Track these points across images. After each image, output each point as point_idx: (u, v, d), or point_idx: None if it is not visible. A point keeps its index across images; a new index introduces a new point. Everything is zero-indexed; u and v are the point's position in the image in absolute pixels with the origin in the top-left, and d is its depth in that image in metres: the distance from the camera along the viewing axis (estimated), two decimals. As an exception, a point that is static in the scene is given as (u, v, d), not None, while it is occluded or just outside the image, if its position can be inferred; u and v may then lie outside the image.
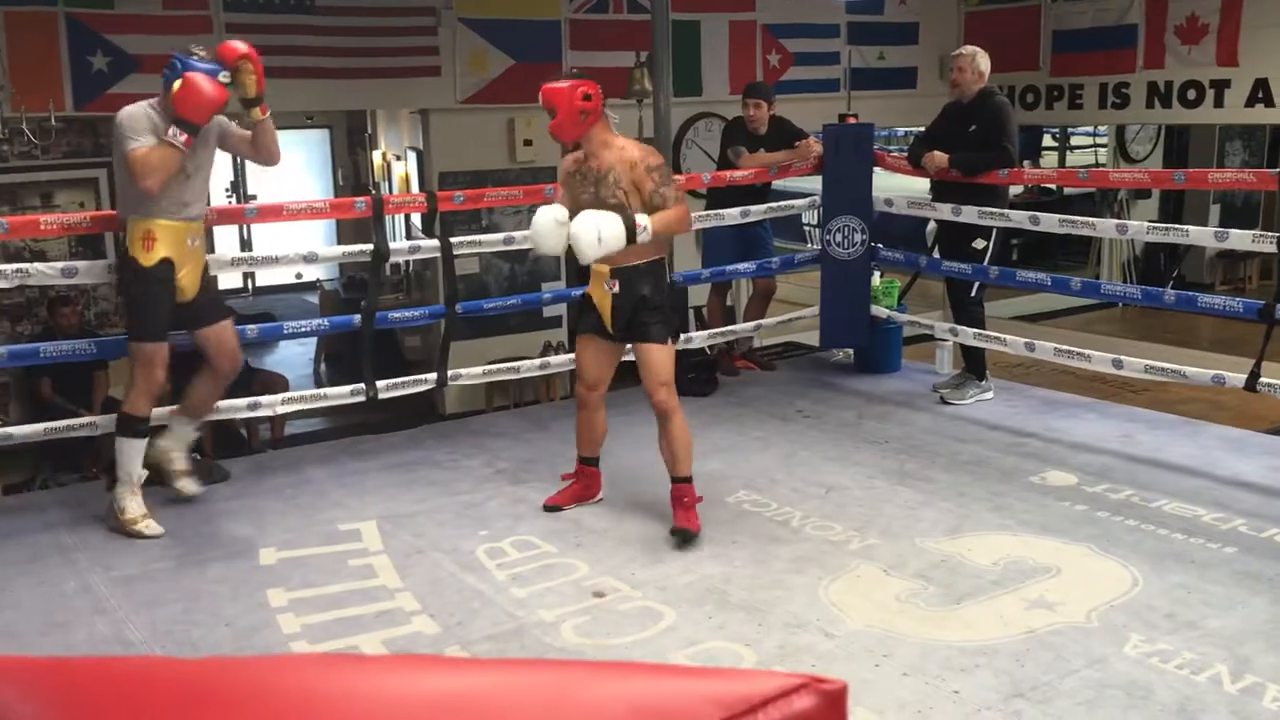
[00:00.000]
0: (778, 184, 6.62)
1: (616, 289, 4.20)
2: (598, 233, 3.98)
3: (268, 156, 4.54)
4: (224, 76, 4.22)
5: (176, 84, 4.13)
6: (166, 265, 4.32)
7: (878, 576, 3.92)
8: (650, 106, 6.90)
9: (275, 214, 4.88)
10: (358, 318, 5.29)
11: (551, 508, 4.53)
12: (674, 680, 0.88)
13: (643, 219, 4.05)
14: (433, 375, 5.38)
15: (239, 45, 4.29)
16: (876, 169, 6.36)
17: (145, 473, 4.46)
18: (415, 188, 9.81)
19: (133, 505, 4.38)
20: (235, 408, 5.10)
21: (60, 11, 7.17)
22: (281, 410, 5.39)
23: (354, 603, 3.78)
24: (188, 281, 4.42)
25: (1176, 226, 5.70)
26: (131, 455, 4.41)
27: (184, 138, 4.17)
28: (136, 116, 4.21)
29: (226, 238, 12.64)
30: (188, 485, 4.67)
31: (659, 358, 4.18)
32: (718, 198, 6.41)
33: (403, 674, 0.90)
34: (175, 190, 4.28)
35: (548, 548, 4.20)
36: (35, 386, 7.65)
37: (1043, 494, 4.67)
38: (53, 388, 7.59)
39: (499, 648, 3.46)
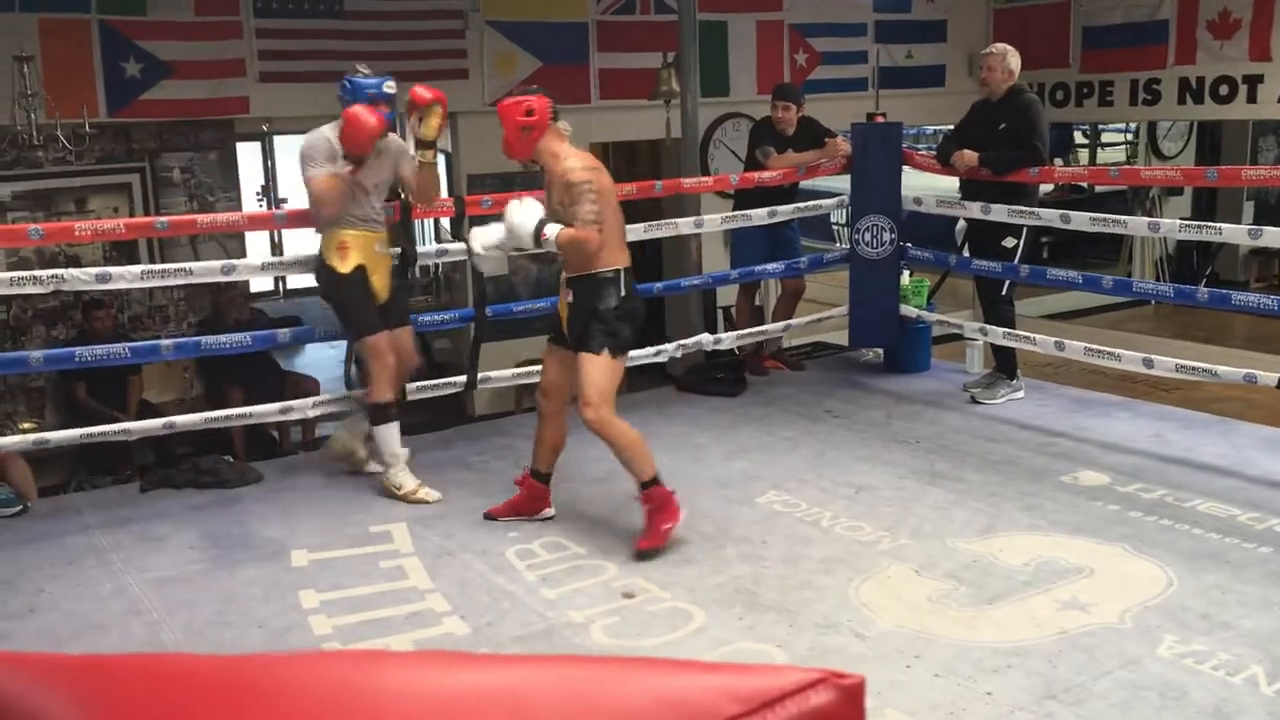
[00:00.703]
0: (806, 183, 6.61)
1: (570, 298, 4.20)
2: (481, 240, 4.31)
3: (424, 197, 4.96)
4: (389, 86, 4.63)
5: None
6: (361, 270, 4.71)
7: (909, 577, 3.91)
8: (678, 107, 6.91)
9: (305, 220, 4.90)
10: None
11: (489, 516, 4.50)
12: (694, 675, 0.88)
13: (551, 229, 4.06)
14: (463, 378, 5.40)
15: (425, 93, 4.71)
16: (905, 168, 6.33)
17: (406, 451, 4.83)
18: (444, 190, 9.86)
19: (407, 480, 4.75)
20: (268, 412, 5.13)
21: (94, 18, 7.25)
22: (313, 414, 5.42)
23: (385, 604, 3.80)
24: (380, 285, 4.80)
25: (1209, 224, 5.64)
26: (389, 438, 4.77)
27: (349, 169, 4.57)
28: (316, 145, 4.59)
29: (258, 242, 12.74)
30: (372, 465, 4.99)
31: (589, 368, 4.07)
32: (745, 198, 6.41)
33: (431, 669, 0.91)
34: (359, 204, 4.70)
35: (578, 549, 4.21)
36: (70, 390, 7.74)
37: (1075, 494, 4.63)
38: (88, 391, 7.67)
39: (528, 648, 3.48)
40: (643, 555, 4.07)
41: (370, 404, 4.83)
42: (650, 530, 4.10)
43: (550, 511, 4.51)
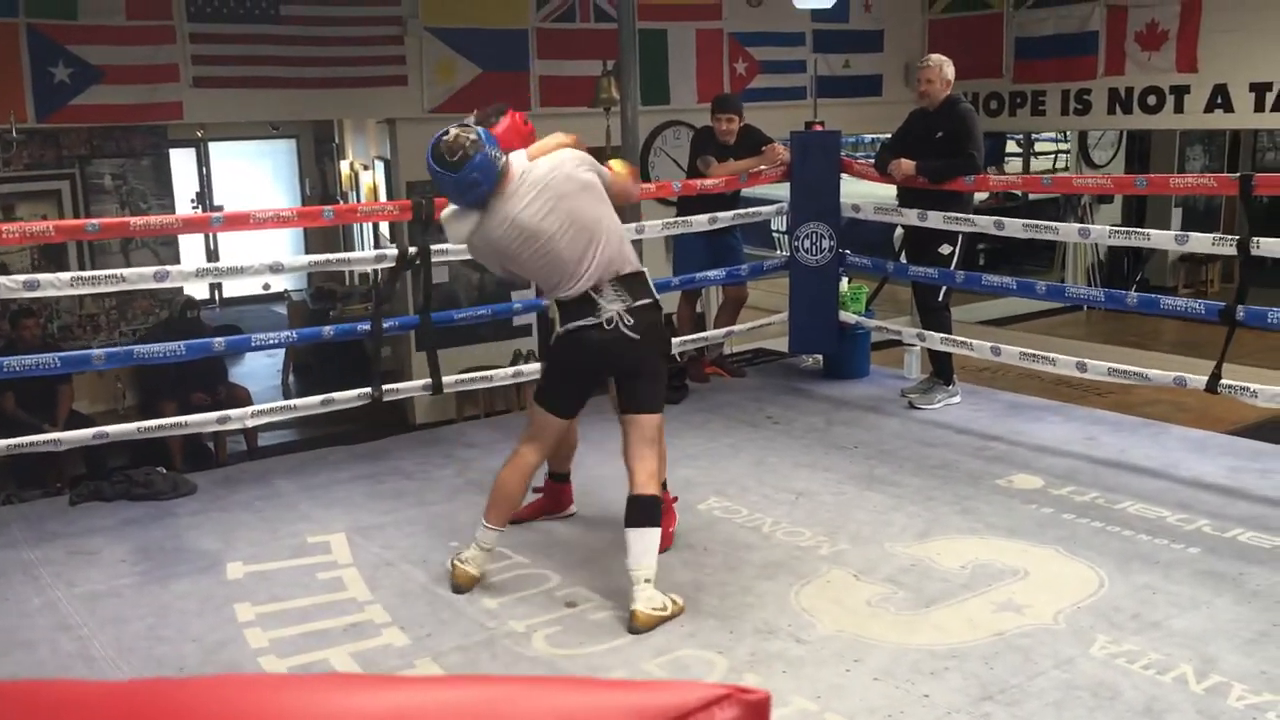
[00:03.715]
0: (747, 191, 6.65)
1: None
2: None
3: None
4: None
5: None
6: None
7: (848, 581, 3.94)
8: (618, 115, 6.92)
9: (242, 223, 4.84)
10: (328, 329, 5.26)
11: (513, 520, 4.47)
12: (598, 693, 0.88)
13: None
14: (426, 381, 5.35)
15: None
16: (844, 175, 6.39)
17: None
18: (383, 197, 9.78)
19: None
20: (205, 421, 5.05)
21: (22, 22, 7.10)
22: (251, 423, 5.34)
23: (323, 616, 3.75)
24: None
25: (1139, 230, 5.78)
26: None
27: None
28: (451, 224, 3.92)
29: (192, 247, 12.54)
30: None
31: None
32: (687, 205, 6.43)
33: (333, 692, 0.90)
34: None
35: (519, 558, 4.18)
36: (-2, 401, 7.56)
37: (1009, 497, 4.70)
38: (16, 402, 7.50)
39: (469, 659, 3.45)
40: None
41: None
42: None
43: (574, 508, 4.55)
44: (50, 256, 7.96)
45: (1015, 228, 5.70)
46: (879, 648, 3.44)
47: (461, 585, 3.89)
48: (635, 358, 3.77)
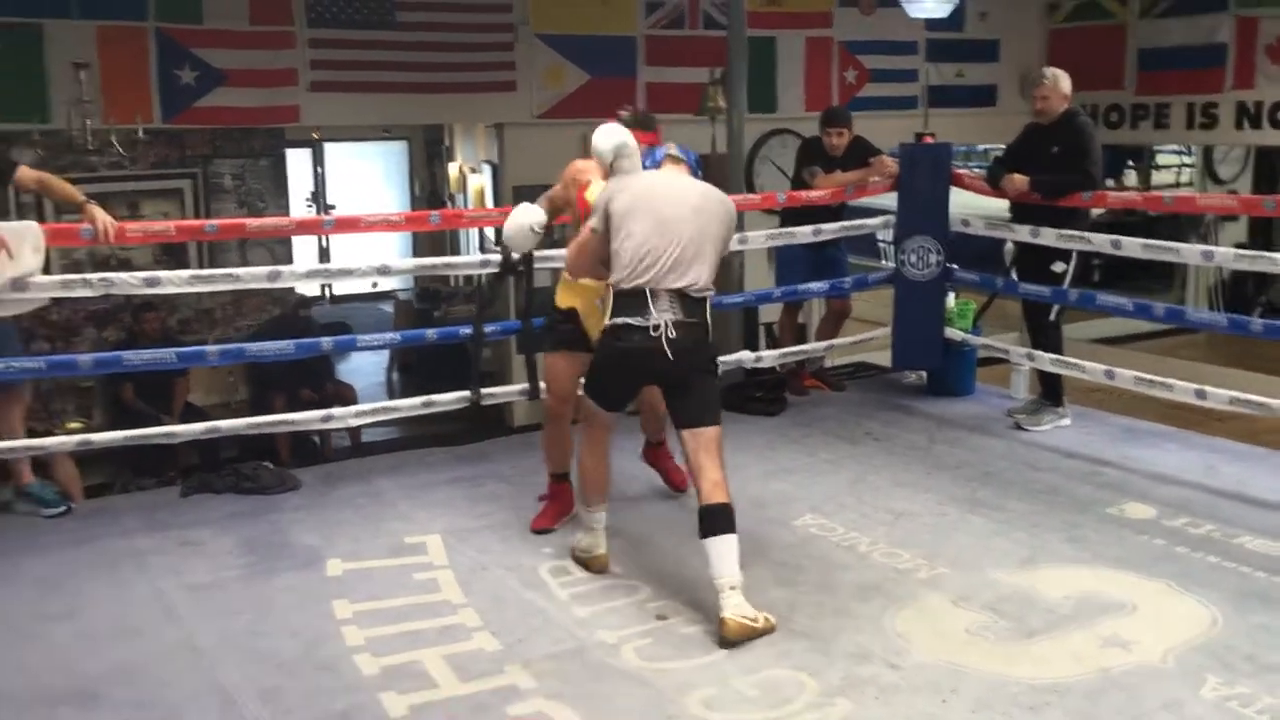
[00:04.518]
0: (856, 201, 6.53)
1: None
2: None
3: None
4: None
5: None
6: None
7: (946, 607, 3.84)
8: (724, 123, 6.89)
9: (353, 226, 4.94)
10: (431, 332, 5.34)
11: (542, 530, 4.50)
12: None
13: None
14: (524, 386, 5.39)
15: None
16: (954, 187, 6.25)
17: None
18: (490, 201, 9.91)
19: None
20: (309, 420, 5.16)
21: (151, 26, 7.36)
22: (354, 423, 5.45)
23: (417, 617, 3.79)
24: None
25: (1265, 254, 5.50)
26: None
27: None
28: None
29: (305, 246, 12.87)
30: None
31: None
32: (791, 216, 6.37)
33: None
34: None
35: (612, 568, 4.18)
36: (118, 391, 7.86)
37: (1120, 526, 4.54)
38: (135, 392, 7.78)
39: (560, 667, 3.46)
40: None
41: None
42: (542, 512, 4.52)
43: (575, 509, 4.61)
44: (171, 253, 8.23)
45: (1133, 247, 5.50)
46: (976, 678, 3.34)
47: (599, 567, 4.12)
48: (672, 371, 3.83)
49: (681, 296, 3.81)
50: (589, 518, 4.16)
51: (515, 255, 4.76)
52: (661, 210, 3.85)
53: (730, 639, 3.54)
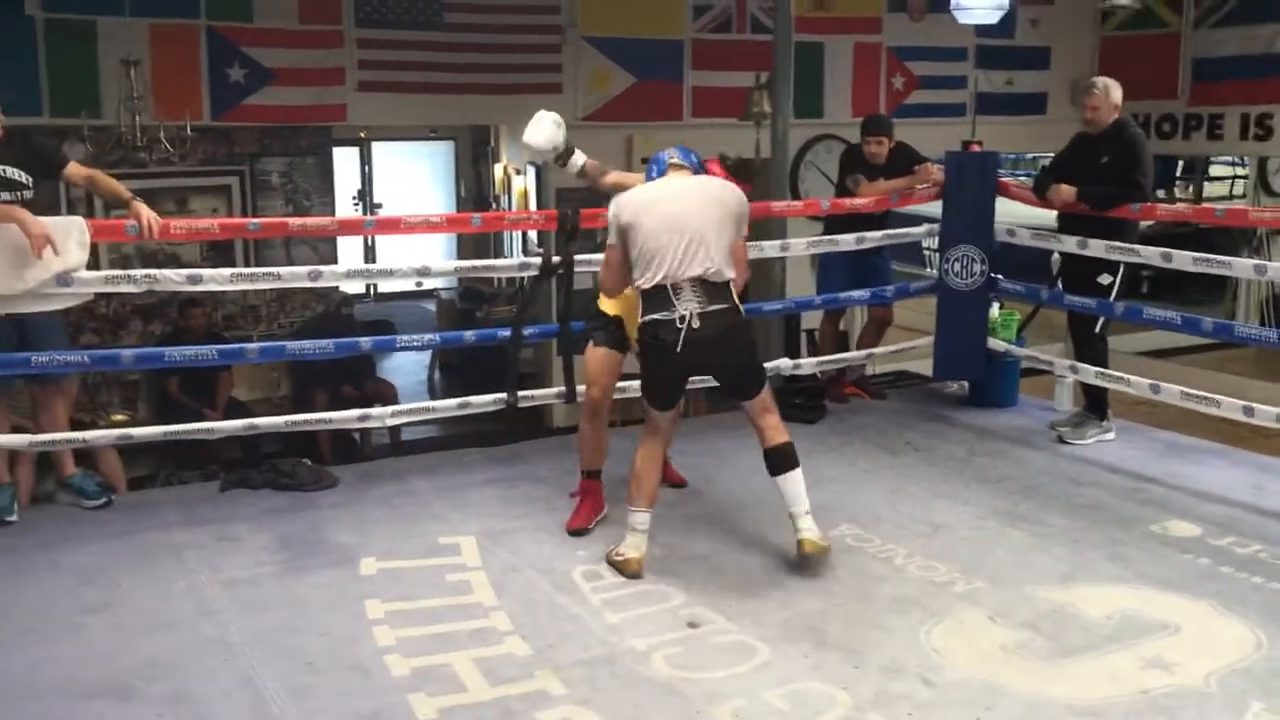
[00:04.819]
0: (896, 208, 6.47)
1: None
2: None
3: None
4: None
5: None
6: None
7: (983, 623, 3.78)
8: (769, 128, 6.85)
9: (393, 227, 4.96)
10: (469, 334, 5.35)
11: (579, 531, 4.51)
12: None
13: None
14: (560, 389, 5.40)
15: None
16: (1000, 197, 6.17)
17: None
18: (533, 203, 9.92)
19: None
20: (346, 419, 5.19)
21: (202, 24, 7.45)
22: (391, 422, 5.47)
23: (449, 619, 3.79)
24: None
25: (1321, 269, 5.40)
26: None
27: None
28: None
29: (350, 243, 12.97)
30: None
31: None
32: (834, 223, 6.32)
33: None
34: None
35: (644, 573, 4.15)
36: (163, 384, 7.96)
37: (1163, 545, 4.45)
38: (179, 387, 7.88)
39: (590, 674, 3.44)
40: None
41: None
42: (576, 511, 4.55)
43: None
44: (218, 249, 8.33)
45: (1184, 260, 5.39)
46: (1012, 697, 3.29)
47: (632, 571, 4.10)
48: (709, 357, 4.11)
49: (703, 284, 4.03)
50: (634, 518, 4.16)
51: (538, 163, 4.95)
52: (664, 209, 4.08)
53: (811, 557, 4.06)
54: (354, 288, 13.07)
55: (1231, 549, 4.39)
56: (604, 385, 4.52)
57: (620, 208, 4.16)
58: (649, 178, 4.36)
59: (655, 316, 4.05)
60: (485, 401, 5.21)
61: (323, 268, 4.89)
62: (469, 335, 5.40)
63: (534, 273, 5.23)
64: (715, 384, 4.64)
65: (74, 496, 4.80)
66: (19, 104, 6.60)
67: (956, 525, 4.65)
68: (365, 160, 14.17)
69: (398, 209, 12.40)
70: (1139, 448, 5.69)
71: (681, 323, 3.99)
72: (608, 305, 4.55)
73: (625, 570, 4.12)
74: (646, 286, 4.07)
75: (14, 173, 4.48)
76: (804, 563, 4.06)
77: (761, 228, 6.84)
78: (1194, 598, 3.95)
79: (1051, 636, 3.67)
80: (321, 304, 8.84)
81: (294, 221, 5.17)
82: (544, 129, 4.62)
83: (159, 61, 7.27)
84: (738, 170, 6.06)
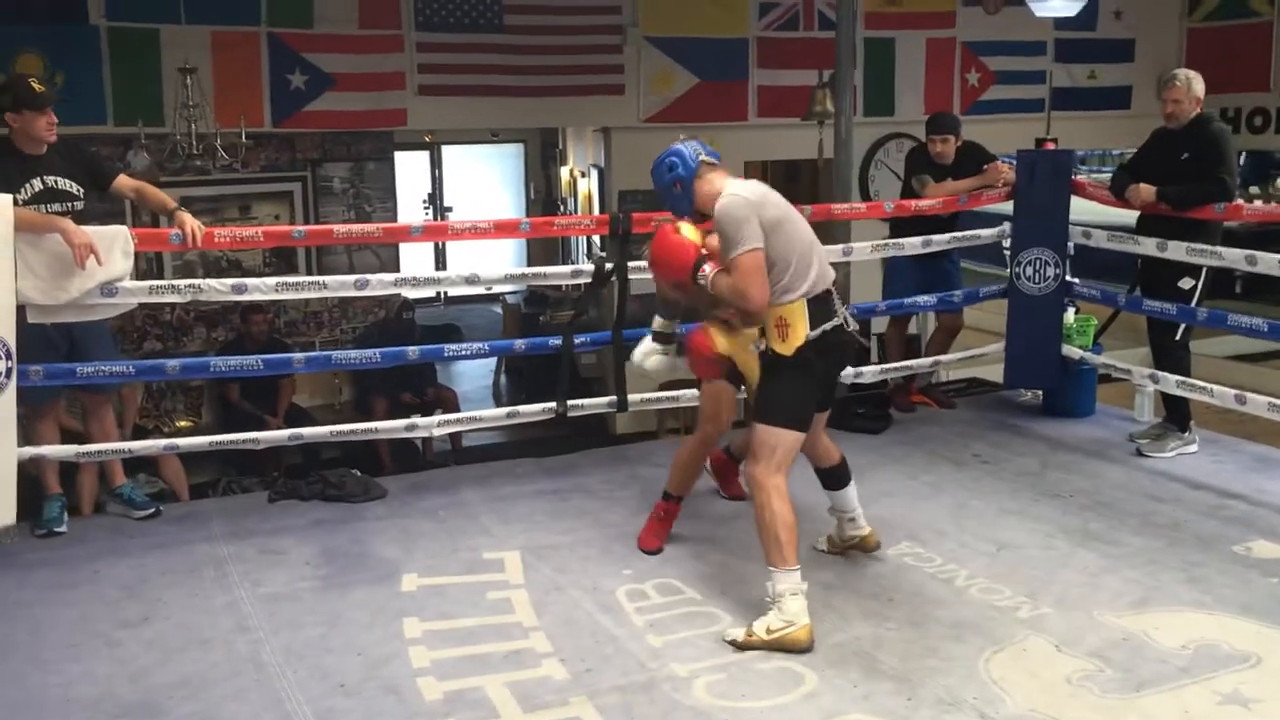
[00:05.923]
0: (977, 208, 6.20)
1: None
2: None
3: None
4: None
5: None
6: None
7: (1047, 652, 3.56)
8: (831, 127, 6.65)
9: (440, 233, 4.88)
10: (519, 343, 5.26)
11: (652, 551, 4.36)
12: None
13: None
14: (613, 398, 5.28)
15: None
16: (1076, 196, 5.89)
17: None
18: (596, 206, 9.83)
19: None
20: (393, 429, 5.13)
21: (263, 30, 7.47)
22: (438, 433, 5.39)
23: (487, 639, 3.69)
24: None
25: None
26: None
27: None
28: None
29: (421, 253, 13.03)
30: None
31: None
32: (901, 225, 6.09)
33: None
34: None
35: (692, 593, 4.01)
36: (225, 391, 8.00)
37: (1246, 567, 4.18)
38: (240, 393, 7.91)
39: (626, 701, 3.30)
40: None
41: None
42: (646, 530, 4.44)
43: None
44: (281, 254, 8.36)
45: (1270, 264, 5.08)
46: (1076, 735, 3.08)
47: (806, 644, 3.57)
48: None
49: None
50: (789, 580, 3.59)
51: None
52: (789, 209, 3.80)
53: (878, 544, 4.25)
54: (424, 292, 13.15)
55: (1322, 573, 4.10)
56: (723, 422, 4.42)
57: (756, 206, 3.63)
58: (678, 175, 3.82)
59: (825, 326, 3.71)
60: (534, 410, 5.11)
61: (370, 276, 4.82)
62: (519, 344, 5.32)
63: (587, 279, 5.11)
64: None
65: (123, 507, 4.81)
66: (84, 113, 6.70)
67: (1024, 544, 4.42)
68: (435, 164, 14.23)
69: (468, 212, 12.42)
70: (1224, 461, 5.39)
71: (849, 325, 3.82)
72: (721, 344, 4.29)
73: (798, 644, 3.54)
74: (815, 294, 3.69)
75: (64, 183, 4.48)
76: (868, 549, 4.24)
77: (823, 231, 6.66)
78: (1278, 627, 3.69)
79: (1121, 667, 3.44)
80: (383, 309, 8.83)
81: (339, 228, 5.13)
82: (651, 362, 4.36)
83: (221, 68, 7.31)
84: (788, 174, 5.87)
